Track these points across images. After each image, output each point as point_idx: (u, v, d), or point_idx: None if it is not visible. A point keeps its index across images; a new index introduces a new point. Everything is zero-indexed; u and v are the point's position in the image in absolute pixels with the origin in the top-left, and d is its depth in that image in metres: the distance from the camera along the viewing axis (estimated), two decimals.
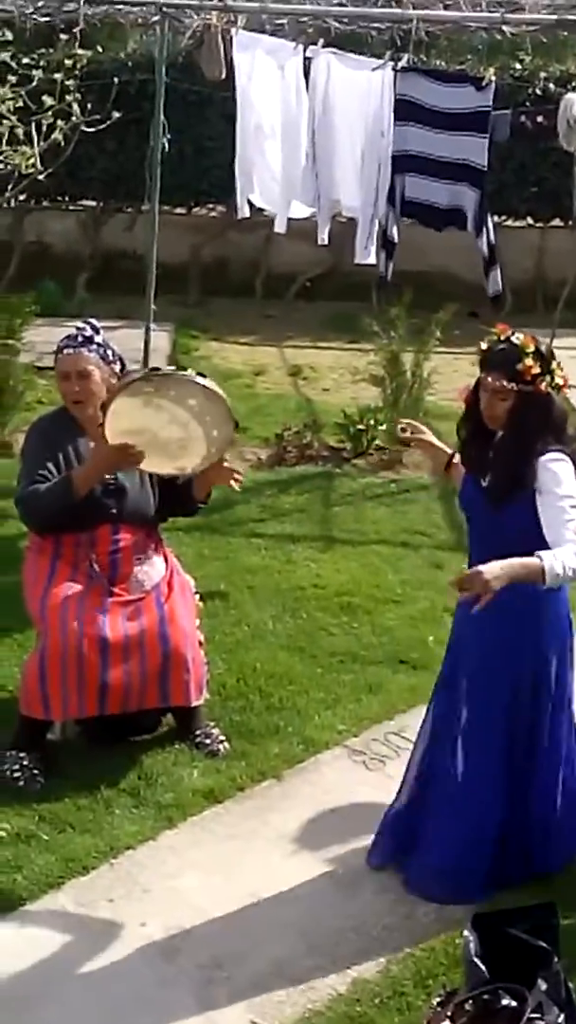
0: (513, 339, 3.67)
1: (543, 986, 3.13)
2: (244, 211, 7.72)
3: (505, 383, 3.64)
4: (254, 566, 6.05)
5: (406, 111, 7.19)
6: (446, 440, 4.19)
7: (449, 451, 4.10)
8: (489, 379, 3.68)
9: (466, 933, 3.31)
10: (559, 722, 3.86)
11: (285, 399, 8.72)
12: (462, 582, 3.33)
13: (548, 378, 3.65)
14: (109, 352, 4.48)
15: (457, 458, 4.01)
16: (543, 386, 3.64)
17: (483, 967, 3.20)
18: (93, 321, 4.56)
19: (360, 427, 7.53)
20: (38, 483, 4.34)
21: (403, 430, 4.25)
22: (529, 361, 3.62)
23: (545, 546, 3.46)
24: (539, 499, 3.56)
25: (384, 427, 7.48)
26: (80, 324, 4.54)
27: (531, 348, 3.65)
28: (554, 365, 3.67)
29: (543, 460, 3.59)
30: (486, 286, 7.57)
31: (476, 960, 3.23)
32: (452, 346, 7.91)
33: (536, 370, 3.62)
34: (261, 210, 7.86)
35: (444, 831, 3.87)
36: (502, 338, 3.69)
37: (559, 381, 3.69)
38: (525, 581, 3.37)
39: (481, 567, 3.33)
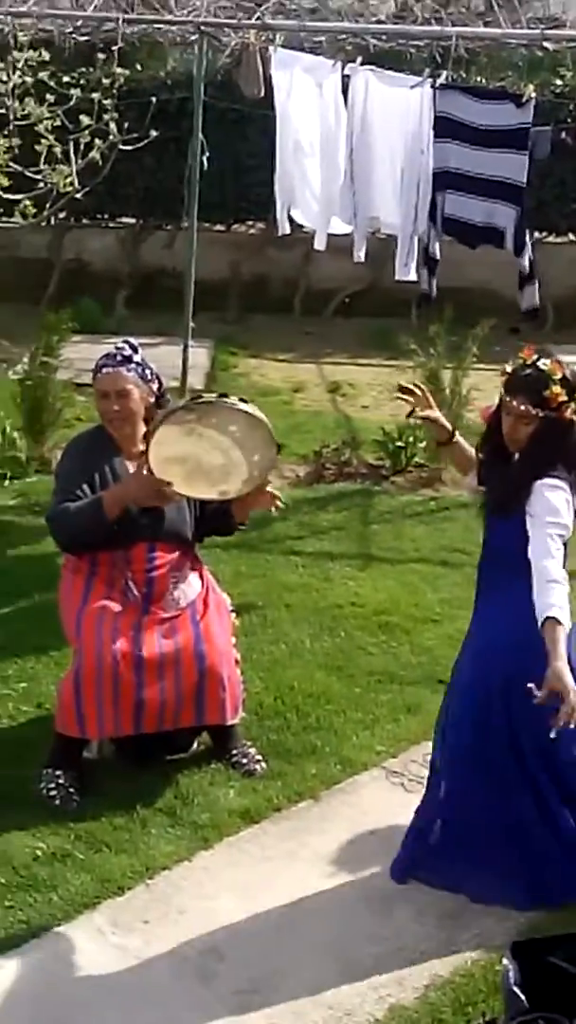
0: (540, 364, 3.65)
1: None
2: (285, 227, 7.74)
3: (531, 409, 3.63)
4: (292, 584, 6.02)
5: (445, 128, 7.16)
6: None
7: (449, 427, 4.11)
8: (514, 403, 3.66)
9: (505, 961, 3.26)
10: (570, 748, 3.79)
11: (324, 416, 8.71)
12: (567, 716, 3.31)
13: (574, 405, 3.65)
14: (148, 371, 4.48)
15: (458, 436, 4.07)
16: (568, 413, 3.64)
17: (522, 996, 3.15)
18: (132, 340, 4.55)
19: (399, 444, 7.50)
20: (69, 502, 4.34)
21: (407, 390, 4.12)
22: (556, 388, 3.62)
23: (514, 569, 3.54)
24: (528, 521, 3.58)
25: (423, 444, 7.44)
26: (119, 343, 4.52)
27: (558, 375, 3.65)
28: None
29: (539, 484, 3.60)
30: (520, 300, 7.54)
31: (515, 989, 3.17)
32: (492, 363, 7.84)
33: (563, 397, 3.63)
34: (301, 226, 7.87)
35: (476, 861, 3.85)
36: (528, 362, 3.68)
37: None
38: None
39: (563, 680, 3.30)
